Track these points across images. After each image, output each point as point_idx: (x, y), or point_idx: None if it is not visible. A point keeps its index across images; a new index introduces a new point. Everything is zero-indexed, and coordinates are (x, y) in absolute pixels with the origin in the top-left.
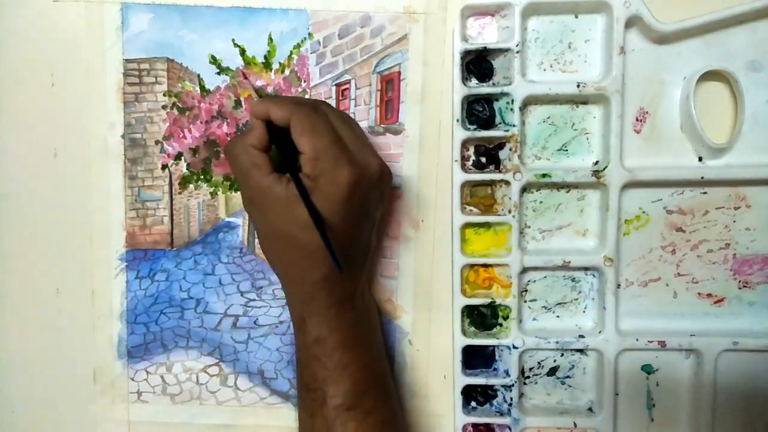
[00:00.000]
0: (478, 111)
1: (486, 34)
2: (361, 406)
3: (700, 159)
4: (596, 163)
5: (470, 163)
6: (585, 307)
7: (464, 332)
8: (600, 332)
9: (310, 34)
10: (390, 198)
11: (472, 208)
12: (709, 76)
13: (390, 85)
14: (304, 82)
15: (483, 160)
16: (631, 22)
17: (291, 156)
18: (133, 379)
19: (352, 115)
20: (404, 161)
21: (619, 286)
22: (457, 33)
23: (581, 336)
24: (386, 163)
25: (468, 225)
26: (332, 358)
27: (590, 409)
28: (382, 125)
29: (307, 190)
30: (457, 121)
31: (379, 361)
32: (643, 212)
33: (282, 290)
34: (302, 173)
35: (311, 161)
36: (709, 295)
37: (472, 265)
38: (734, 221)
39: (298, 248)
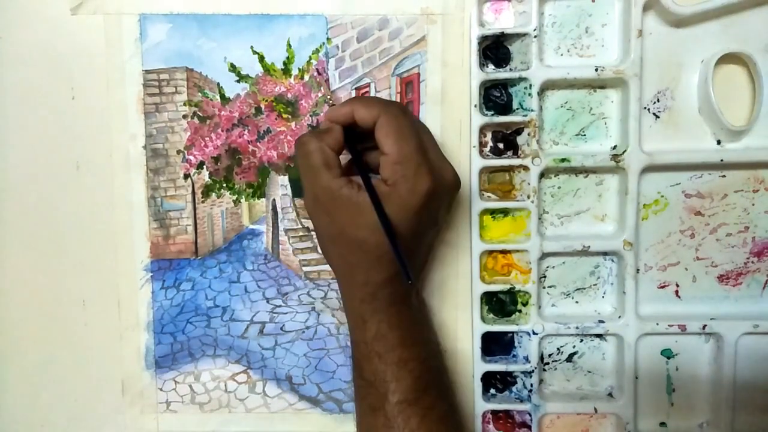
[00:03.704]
0: (496, 97)
1: (503, 19)
2: (422, 402)
3: (719, 142)
4: (614, 147)
5: (488, 149)
6: (604, 292)
7: (483, 319)
8: (619, 317)
9: (328, 39)
10: None
11: (490, 194)
12: (727, 58)
13: (410, 87)
14: (324, 87)
15: (501, 146)
16: (649, 5)
17: (361, 159)
18: (161, 389)
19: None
20: None
21: (638, 270)
22: (474, 18)
23: (601, 321)
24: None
25: (486, 211)
26: (393, 354)
27: (610, 395)
28: None
29: (380, 198)
30: (475, 106)
31: (437, 358)
32: (662, 196)
33: (338, 288)
34: (376, 178)
35: (393, 165)
36: (729, 279)
37: (490, 252)
38: (753, 204)
39: (365, 251)
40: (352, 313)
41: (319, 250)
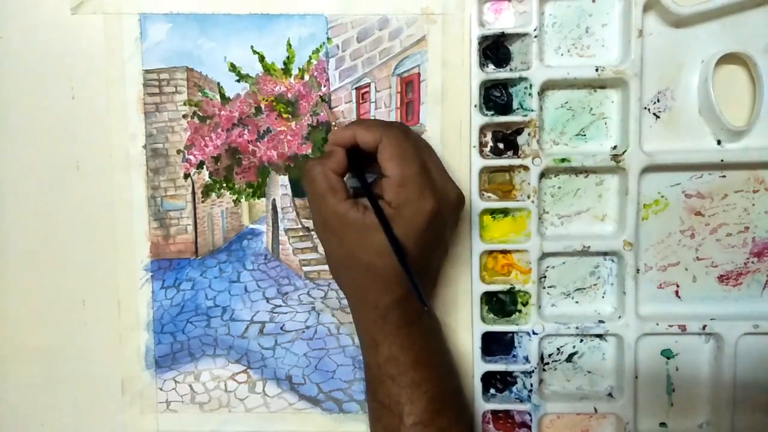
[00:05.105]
0: (496, 97)
1: (503, 19)
2: (437, 423)
3: (719, 142)
4: (615, 147)
5: (488, 149)
6: (604, 293)
7: (483, 319)
8: (620, 317)
9: (328, 39)
10: None
11: (490, 194)
12: (727, 59)
13: (410, 87)
14: (324, 86)
15: (501, 146)
16: (649, 5)
17: (367, 182)
18: (161, 389)
19: (371, 118)
20: None
21: (638, 270)
22: (474, 18)
23: (601, 321)
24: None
25: (486, 211)
26: (406, 376)
27: (610, 395)
28: None
29: (387, 218)
30: (475, 106)
31: (451, 379)
32: (662, 196)
33: (349, 312)
34: (382, 200)
35: (396, 188)
36: (729, 279)
37: (490, 252)
38: (753, 204)
39: (374, 273)
40: (363, 335)
41: (321, 251)
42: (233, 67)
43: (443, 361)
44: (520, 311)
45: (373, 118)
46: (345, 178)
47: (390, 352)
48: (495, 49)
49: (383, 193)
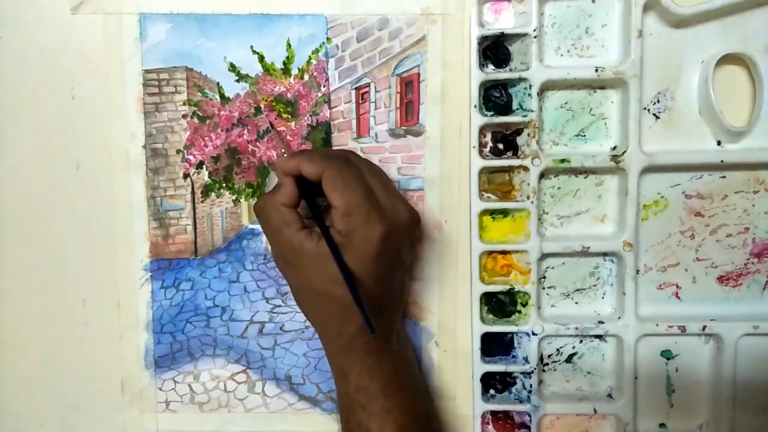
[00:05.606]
0: (496, 97)
1: (503, 19)
2: None
3: (719, 143)
4: (614, 148)
5: (488, 149)
6: (604, 293)
7: (483, 319)
8: (619, 318)
9: (328, 39)
10: (413, 200)
11: (489, 195)
12: (728, 59)
13: (410, 87)
14: (324, 86)
15: (500, 146)
16: (649, 6)
17: (320, 210)
18: (161, 389)
19: (372, 119)
20: (425, 163)
21: (638, 271)
22: (474, 19)
23: (600, 322)
24: (407, 173)
25: (486, 212)
26: (375, 404)
27: (610, 396)
28: (403, 127)
29: (338, 247)
30: (475, 107)
31: (422, 403)
32: (662, 197)
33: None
34: (333, 228)
35: (343, 217)
36: (729, 280)
37: (490, 252)
38: (753, 205)
39: (333, 302)
40: (332, 365)
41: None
42: (233, 67)
43: (414, 385)
44: (519, 312)
45: (319, 148)
46: (300, 206)
47: (358, 381)
48: (495, 49)
49: (333, 223)
